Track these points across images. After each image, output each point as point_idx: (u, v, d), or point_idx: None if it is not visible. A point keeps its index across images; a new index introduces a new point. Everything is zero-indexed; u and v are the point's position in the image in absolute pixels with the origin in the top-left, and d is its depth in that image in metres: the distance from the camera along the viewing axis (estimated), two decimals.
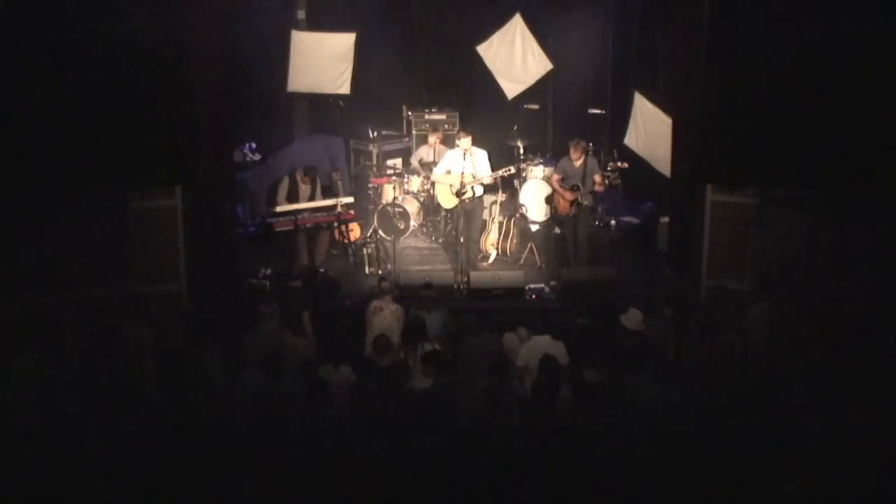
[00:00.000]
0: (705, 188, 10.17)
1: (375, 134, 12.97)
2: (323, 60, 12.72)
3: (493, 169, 10.65)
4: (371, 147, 12.96)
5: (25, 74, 8.86)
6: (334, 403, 7.03)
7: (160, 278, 9.99)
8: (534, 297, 10.20)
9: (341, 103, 13.26)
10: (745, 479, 6.39)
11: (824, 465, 6.39)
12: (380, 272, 10.71)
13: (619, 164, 11.74)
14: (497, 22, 12.87)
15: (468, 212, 10.62)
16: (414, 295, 9.26)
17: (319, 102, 13.72)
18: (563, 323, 8.87)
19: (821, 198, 9.62)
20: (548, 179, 11.62)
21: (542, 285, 10.52)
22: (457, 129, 12.67)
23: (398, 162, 13.22)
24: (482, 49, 12.93)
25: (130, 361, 7.82)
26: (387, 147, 13.19)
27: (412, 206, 11.99)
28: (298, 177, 11.25)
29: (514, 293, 10.13)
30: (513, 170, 11.07)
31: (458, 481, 6.38)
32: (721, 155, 9.75)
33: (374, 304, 9.10)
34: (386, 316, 8.90)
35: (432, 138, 12.43)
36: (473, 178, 10.45)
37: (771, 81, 9.32)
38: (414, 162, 12.55)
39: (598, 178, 10.72)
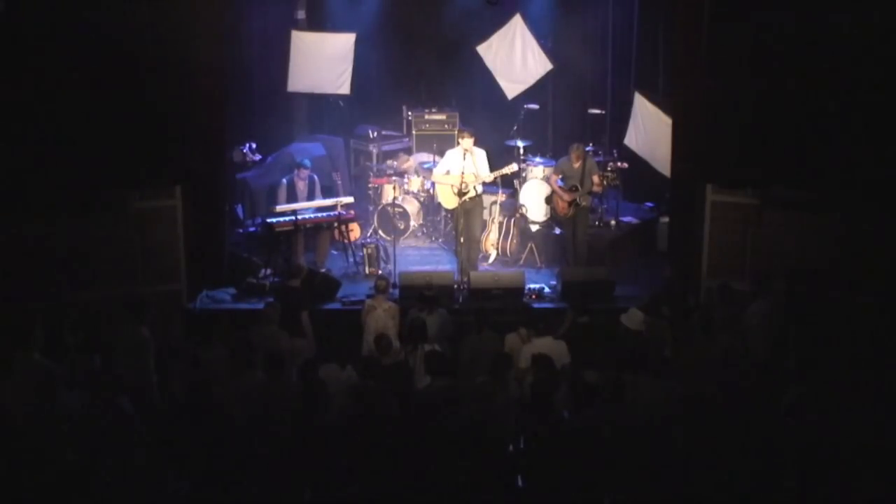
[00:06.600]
0: (705, 188, 10.17)
1: (375, 134, 12.96)
2: (323, 60, 12.72)
3: (491, 168, 10.62)
4: (371, 147, 12.96)
5: (25, 75, 8.87)
6: (338, 403, 7.02)
7: (160, 278, 10.00)
8: (534, 296, 10.20)
9: (341, 103, 13.26)
10: (745, 478, 6.39)
11: (824, 465, 6.39)
12: (380, 272, 10.71)
13: (618, 164, 11.72)
14: (497, 22, 12.86)
15: (468, 212, 10.60)
16: (415, 296, 9.25)
17: (319, 102, 13.71)
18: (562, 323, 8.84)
19: (821, 198, 9.62)
20: (547, 180, 11.61)
21: (542, 285, 10.51)
22: (457, 129, 12.65)
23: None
24: (482, 49, 12.91)
25: (130, 361, 7.81)
26: (387, 147, 13.19)
27: (412, 206, 11.99)
28: (295, 175, 11.26)
29: (514, 293, 10.12)
30: (514, 167, 11.05)
31: (458, 481, 6.39)
32: (721, 155, 9.76)
33: (368, 303, 9.16)
34: (379, 314, 8.91)
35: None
36: (475, 177, 10.43)
37: (771, 81, 9.32)
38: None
39: (596, 178, 10.73)
